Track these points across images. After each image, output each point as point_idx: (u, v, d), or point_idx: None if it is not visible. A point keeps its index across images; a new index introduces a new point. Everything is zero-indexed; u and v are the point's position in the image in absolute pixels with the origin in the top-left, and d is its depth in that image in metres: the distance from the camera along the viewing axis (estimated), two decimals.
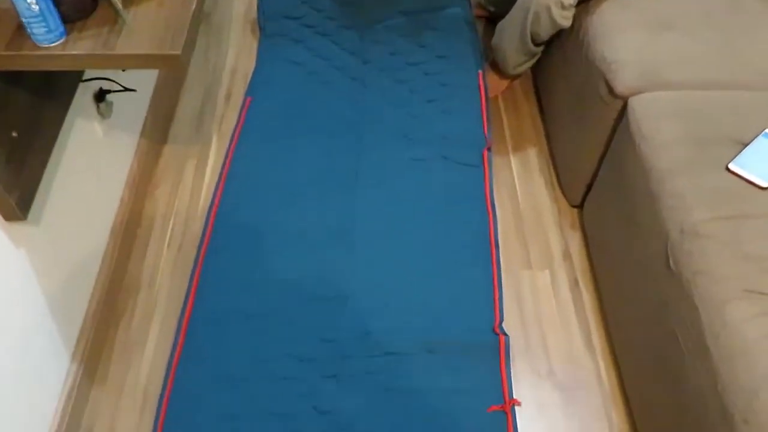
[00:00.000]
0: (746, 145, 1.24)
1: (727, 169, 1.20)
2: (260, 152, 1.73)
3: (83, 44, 0.97)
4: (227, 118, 1.89)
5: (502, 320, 1.42)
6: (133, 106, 1.65)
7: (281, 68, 1.92)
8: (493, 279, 1.48)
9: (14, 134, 1.07)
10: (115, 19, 1.02)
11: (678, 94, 1.35)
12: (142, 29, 1.00)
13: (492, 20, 2.09)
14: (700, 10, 1.51)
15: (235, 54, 2.07)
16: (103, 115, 1.45)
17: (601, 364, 1.41)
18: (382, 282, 1.48)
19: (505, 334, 1.38)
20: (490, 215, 1.58)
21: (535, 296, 1.52)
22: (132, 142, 1.65)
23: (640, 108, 1.34)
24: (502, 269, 1.52)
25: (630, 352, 1.35)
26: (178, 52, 0.96)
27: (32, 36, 0.95)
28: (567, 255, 1.60)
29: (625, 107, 1.40)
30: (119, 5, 1.00)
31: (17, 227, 1.11)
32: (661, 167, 1.24)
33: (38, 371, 1.20)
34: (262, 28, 2.05)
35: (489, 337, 1.38)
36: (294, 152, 1.72)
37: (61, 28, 0.97)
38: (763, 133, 1.25)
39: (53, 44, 0.96)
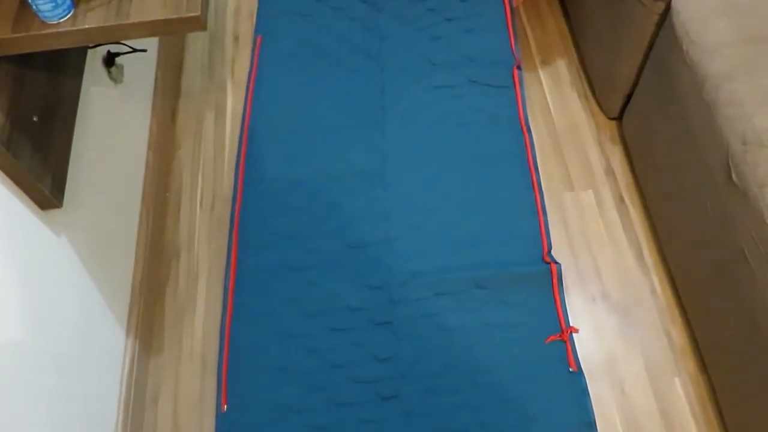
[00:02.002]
0: None
1: None
2: (280, 95, 1.65)
3: (94, 16, 0.89)
4: (239, 60, 1.80)
5: (550, 248, 1.39)
6: (142, 64, 1.57)
7: (288, 3, 1.80)
8: (537, 205, 1.44)
9: (35, 119, 1.01)
10: None
11: None
12: None
13: None
14: None
15: None
16: (116, 80, 1.38)
17: (655, 280, 1.39)
18: (423, 220, 1.44)
19: (556, 262, 1.36)
20: (526, 138, 1.51)
21: (580, 217, 1.49)
22: (146, 102, 1.58)
23: (685, 9, 1.25)
24: (544, 193, 1.48)
25: (687, 267, 1.32)
26: (198, 12, 0.89)
27: (39, 13, 0.88)
28: (609, 171, 1.54)
29: (667, 9, 1.30)
30: None
31: (54, 215, 1.07)
32: (714, 73, 1.16)
33: (98, 351, 1.20)
34: None
35: (540, 267, 1.35)
36: (315, 91, 1.64)
37: (69, 1, 0.89)
38: None
39: (62, 19, 0.89)
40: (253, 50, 1.76)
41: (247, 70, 1.75)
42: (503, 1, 1.69)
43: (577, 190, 1.52)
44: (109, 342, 1.24)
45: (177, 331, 1.40)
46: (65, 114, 1.11)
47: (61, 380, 1.05)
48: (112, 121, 1.36)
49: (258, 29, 1.80)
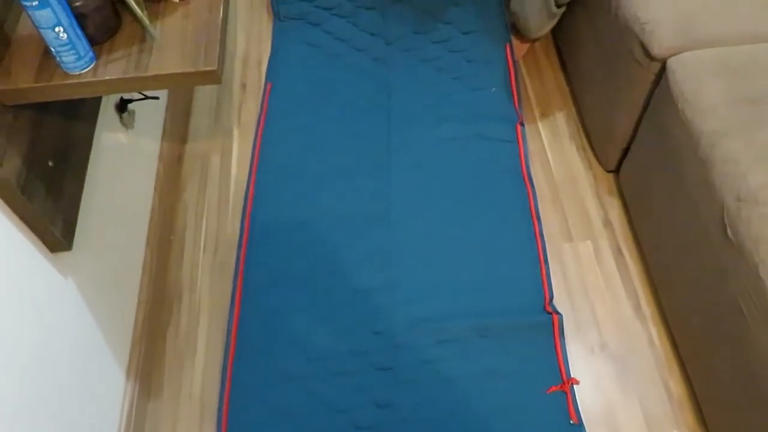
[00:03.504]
0: None
1: None
2: (288, 139, 1.69)
3: (115, 68, 0.93)
4: (246, 107, 1.84)
5: (552, 297, 1.41)
6: (152, 109, 1.61)
7: (299, 51, 1.86)
8: (539, 255, 1.47)
9: (50, 163, 1.03)
10: (142, 35, 0.97)
11: (719, 51, 1.30)
12: (172, 44, 0.96)
13: None
14: None
15: (245, 40, 2.01)
16: (126, 125, 1.41)
17: (653, 331, 1.41)
18: (427, 266, 1.46)
19: (558, 313, 1.37)
20: (529, 190, 1.55)
21: (579, 268, 1.51)
22: (155, 147, 1.61)
23: (680, 69, 1.30)
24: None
25: (684, 319, 1.33)
26: (214, 67, 0.92)
27: (61, 64, 0.92)
28: (607, 223, 1.57)
29: (663, 69, 1.35)
30: (146, 21, 0.95)
31: (63, 257, 1.09)
32: (709, 131, 1.20)
33: (97, 394, 1.19)
34: (275, 12, 1.98)
35: (541, 317, 1.37)
36: (323, 137, 1.68)
37: (91, 53, 0.92)
38: None
39: (83, 71, 0.92)
40: (263, 96, 1.81)
41: (253, 115, 1.79)
42: (507, 62, 1.75)
43: (576, 241, 1.55)
44: (109, 384, 1.24)
45: (176, 374, 1.40)
46: (78, 158, 1.14)
47: (60, 422, 1.05)
48: (121, 165, 1.39)
49: (269, 77, 1.85)
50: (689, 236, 1.27)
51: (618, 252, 1.52)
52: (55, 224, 1.03)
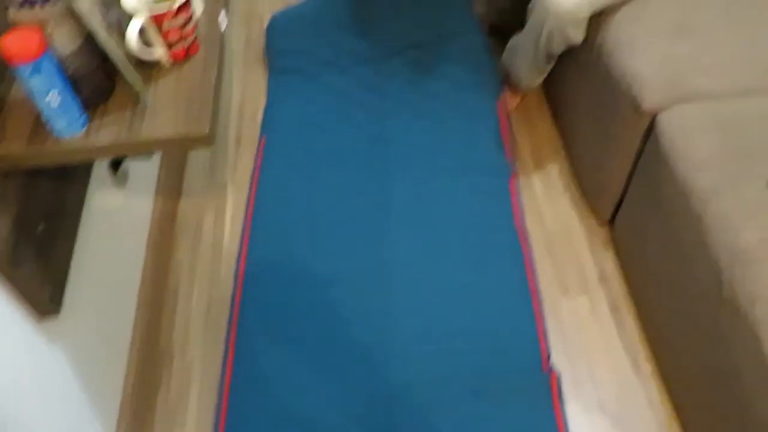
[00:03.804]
0: None
1: None
2: (283, 195, 1.69)
3: (107, 132, 0.93)
4: (241, 161, 1.84)
5: (549, 355, 1.38)
6: (146, 166, 1.61)
7: (294, 105, 1.88)
8: (535, 311, 1.45)
9: (40, 227, 1.02)
10: (135, 98, 0.98)
11: (708, 106, 1.32)
12: (164, 108, 0.96)
13: (497, 33, 2.05)
14: (718, 13, 1.46)
15: (240, 93, 2.03)
16: (119, 184, 1.41)
17: (653, 391, 1.38)
18: (422, 324, 1.44)
19: (556, 371, 1.35)
20: (524, 243, 1.54)
21: (576, 324, 1.49)
22: (148, 204, 1.60)
23: (670, 125, 1.31)
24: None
25: (683, 379, 1.31)
26: (206, 131, 0.93)
27: (53, 130, 0.91)
28: (603, 277, 1.56)
29: (653, 123, 1.36)
30: (139, 85, 0.96)
31: (50, 323, 1.07)
32: (701, 187, 1.20)
33: None
34: (270, 66, 2.00)
35: (539, 377, 1.34)
36: (318, 192, 1.68)
37: (83, 118, 0.93)
38: None
39: (76, 135, 0.92)
40: (258, 150, 1.81)
41: (248, 171, 1.79)
42: (499, 115, 1.77)
43: (572, 295, 1.53)
44: None
45: None
46: (69, 221, 1.13)
47: None
48: (113, 225, 1.37)
49: (264, 130, 1.86)
50: (685, 293, 1.26)
51: (615, 308, 1.51)
52: (43, 290, 1.02)
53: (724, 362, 1.12)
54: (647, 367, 1.41)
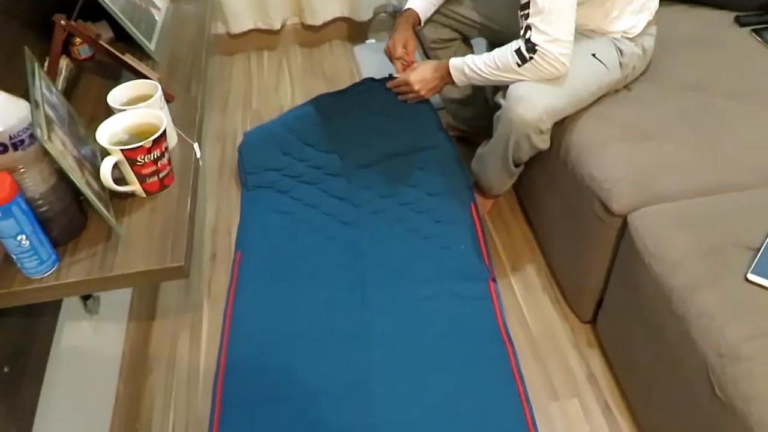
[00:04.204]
0: (758, 250, 1.22)
1: (746, 279, 1.18)
2: (259, 310, 1.65)
3: (78, 269, 0.91)
4: (215, 279, 1.82)
5: None
6: (118, 292, 1.57)
7: (268, 219, 1.88)
8: (526, 418, 1.40)
9: (5, 369, 0.98)
10: (108, 232, 0.97)
11: (676, 206, 1.35)
12: (138, 241, 0.95)
13: (464, 139, 2.12)
14: (675, 116, 1.54)
15: (215, 211, 2.03)
16: (91, 312, 1.37)
17: None
18: None
19: None
20: (509, 349, 1.52)
21: (569, 429, 1.44)
22: (120, 328, 1.56)
23: (642, 225, 1.33)
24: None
25: None
26: (182, 263, 0.91)
27: (23, 269, 0.89)
28: (591, 377, 1.53)
29: (624, 224, 1.39)
30: (113, 220, 0.95)
31: None
32: (679, 285, 1.21)
33: None
34: (243, 183, 2.02)
35: None
36: (295, 306, 1.65)
37: (54, 257, 0.91)
38: None
39: (46, 275, 0.90)
40: (233, 265, 1.79)
41: (223, 287, 1.77)
42: (473, 220, 1.79)
43: (562, 399, 1.49)
44: None
45: None
46: (37, 359, 1.08)
47: None
48: (83, 356, 1.32)
49: (238, 245, 1.85)
50: (676, 392, 1.24)
51: (606, 408, 1.47)
52: None
53: None
54: None
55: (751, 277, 1.18)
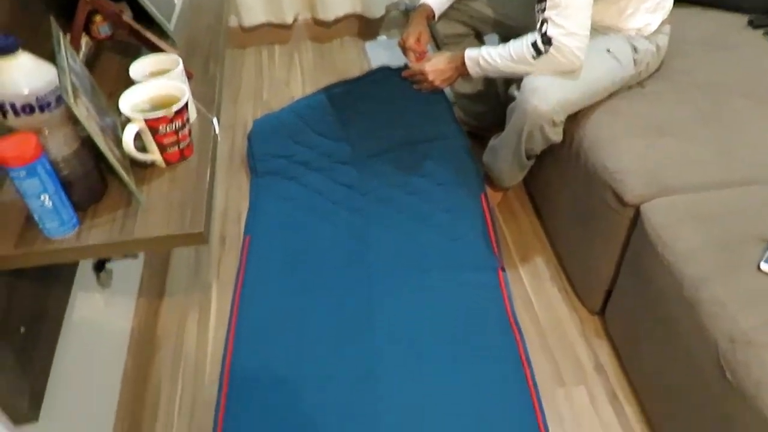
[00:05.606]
0: None
1: (759, 269, 1.19)
2: (267, 295, 1.66)
3: (98, 232, 0.92)
4: (224, 262, 1.83)
5: None
6: (130, 266, 1.58)
7: (277, 205, 1.88)
8: (533, 402, 1.41)
9: (22, 330, 0.99)
10: (128, 199, 0.98)
11: (688, 197, 1.36)
12: (157, 208, 0.96)
13: (474, 134, 2.13)
14: (689, 113, 1.55)
15: (224, 195, 2.04)
16: (104, 285, 1.38)
17: None
18: (416, 423, 1.38)
19: None
20: (517, 336, 1.52)
21: (575, 416, 1.44)
22: (130, 304, 1.56)
23: (654, 216, 1.33)
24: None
25: None
26: (201, 229, 0.92)
27: (44, 230, 0.90)
28: (599, 367, 1.53)
29: (636, 214, 1.39)
30: (133, 186, 0.96)
31: (27, 430, 1.00)
32: (691, 275, 1.21)
33: None
34: (253, 169, 2.03)
35: None
36: (303, 293, 1.65)
37: (75, 219, 0.92)
38: None
39: (67, 236, 0.91)
40: (242, 250, 1.80)
41: (232, 270, 1.77)
42: (483, 211, 1.79)
43: (569, 386, 1.50)
44: None
45: None
46: (52, 323, 1.09)
47: None
48: (95, 328, 1.33)
49: (247, 230, 1.86)
50: (686, 380, 1.24)
51: (613, 397, 1.47)
52: (21, 396, 0.96)
53: None
54: None
55: (763, 266, 1.18)
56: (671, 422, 1.32)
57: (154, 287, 1.71)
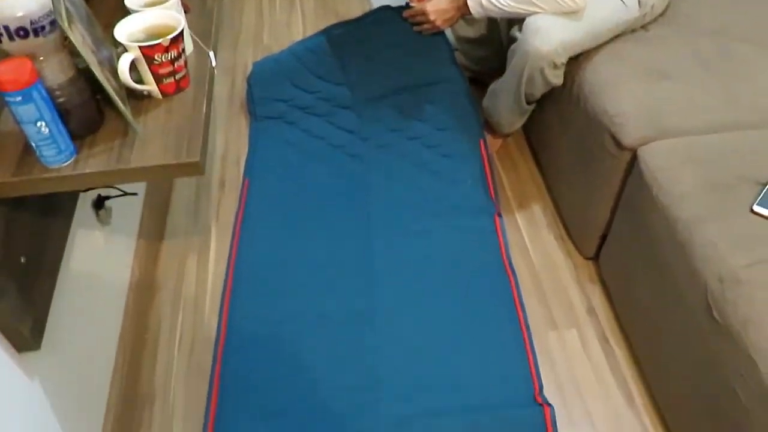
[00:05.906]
0: (765, 184, 1.23)
1: (752, 211, 1.20)
2: (266, 237, 1.67)
3: (96, 161, 0.92)
4: (224, 205, 1.84)
5: (541, 388, 1.36)
6: (129, 206, 1.59)
7: (276, 149, 1.88)
8: (525, 344, 1.44)
9: (23, 260, 1.00)
10: (125, 129, 0.98)
11: (687, 140, 1.36)
12: (154, 138, 0.96)
13: (475, 80, 2.11)
14: (692, 58, 1.53)
15: (224, 139, 2.04)
16: (103, 222, 1.39)
17: (648, 423, 1.36)
18: (412, 362, 1.41)
19: (549, 404, 1.32)
20: (511, 280, 1.54)
21: (566, 357, 1.47)
22: (130, 244, 1.58)
23: (651, 158, 1.34)
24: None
25: (678, 408, 1.30)
26: (197, 158, 0.92)
27: (41, 158, 0.91)
28: (591, 310, 1.56)
29: (634, 158, 1.39)
30: (129, 116, 0.96)
31: (30, 357, 1.03)
32: (685, 217, 1.22)
33: None
34: (251, 112, 2.02)
35: (533, 409, 1.32)
36: (301, 234, 1.67)
37: (72, 148, 0.92)
38: None
39: (64, 164, 0.92)
40: (241, 193, 1.81)
41: (231, 213, 1.78)
42: (482, 156, 1.79)
43: (561, 329, 1.52)
44: None
45: None
46: (52, 256, 1.11)
47: None
48: (95, 263, 1.35)
49: (246, 174, 1.86)
50: (675, 322, 1.26)
51: (604, 340, 1.50)
52: (24, 323, 0.98)
53: (719, 387, 1.11)
54: (641, 399, 1.39)
55: (756, 208, 1.19)
56: (659, 364, 1.35)
57: (154, 228, 1.73)
